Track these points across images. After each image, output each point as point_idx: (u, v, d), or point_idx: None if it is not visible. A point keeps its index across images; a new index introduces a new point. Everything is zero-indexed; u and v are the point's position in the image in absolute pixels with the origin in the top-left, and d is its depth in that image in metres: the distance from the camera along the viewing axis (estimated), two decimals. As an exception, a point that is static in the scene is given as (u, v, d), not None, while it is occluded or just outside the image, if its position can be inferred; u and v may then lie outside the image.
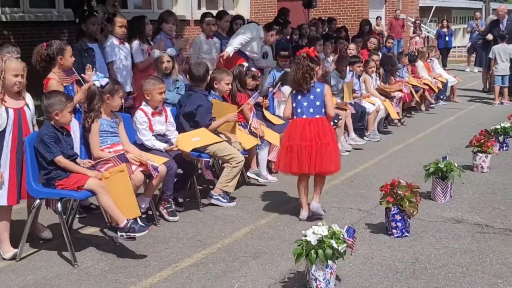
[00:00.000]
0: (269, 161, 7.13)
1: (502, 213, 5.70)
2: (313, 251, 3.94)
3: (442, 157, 6.24)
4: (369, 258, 4.63)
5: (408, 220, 5.10)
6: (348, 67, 9.57)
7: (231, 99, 6.92)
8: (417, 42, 19.38)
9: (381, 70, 10.61)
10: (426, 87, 12.12)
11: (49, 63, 5.42)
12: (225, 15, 9.23)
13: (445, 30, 19.99)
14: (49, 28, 11.50)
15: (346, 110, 8.67)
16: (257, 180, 6.88)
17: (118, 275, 4.43)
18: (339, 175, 7.14)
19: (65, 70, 5.50)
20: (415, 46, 18.50)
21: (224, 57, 7.95)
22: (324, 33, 12.42)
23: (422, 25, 22.00)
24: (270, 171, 7.20)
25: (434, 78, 12.85)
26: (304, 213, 5.59)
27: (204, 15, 8.71)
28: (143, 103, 5.81)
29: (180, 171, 5.91)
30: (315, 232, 4.00)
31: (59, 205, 4.65)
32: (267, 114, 7.57)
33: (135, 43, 7.45)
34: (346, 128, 8.75)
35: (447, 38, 19.92)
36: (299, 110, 5.50)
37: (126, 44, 7.34)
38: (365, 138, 9.36)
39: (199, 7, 17.06)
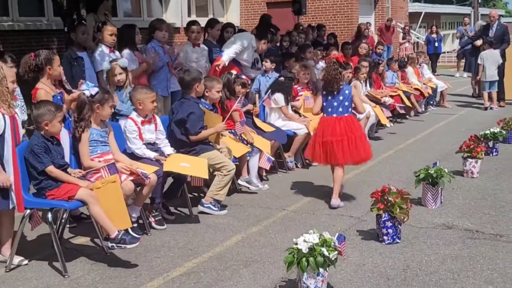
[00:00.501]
0: (260, 168, 7.13)
1: (492, 218, 5.72)
2: (304, 259, 3.94)
3: (433, 163, 6.27)
4: (360, 265, 4.64)
5: (399, 226, 5.12)
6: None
7: (221, 107, 6.92)
8: (407, 48, 19.48)
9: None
10: (417, 92, 12.18)
11: (38, 73, 5.40)
12: (216, 23, 9.24)
13: (434, 35, 20.12)
14: (39, 37, 11.48)
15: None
16: (248, 188, 6.88)
17: (109, 285, 4.42)
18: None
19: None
20: (405, 52, 18.60)
21: (220, 67, 7.91)
22: (314, 39, 12.46)
23: (411, 31, 22.11)
24: (261, 178, 7.21)
25: (423, 83, 12.92)
26: (334, 201, 6.22)
27: (190, 24, 8.69)
28: (133, 111, 5.80)
29: (170, 179, 5.91)
30: (306, 240, 4.00)
31: (49, 215, 4.63)
32: (257, 121, 7.59)
33: (126, 51, 7.44)
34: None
35: (436, 44, 20.04)
36: (329, 110, 6.25)
37: (117, 53, 7.33)
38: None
39: (189, 15, 17.08)
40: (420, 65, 13.44)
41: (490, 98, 13.18)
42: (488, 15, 14.07)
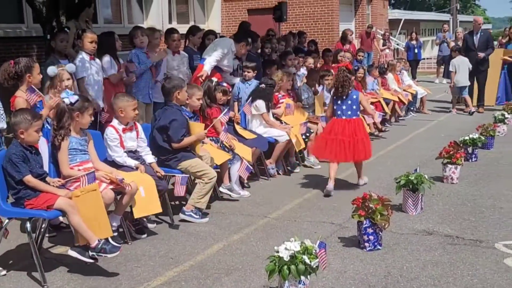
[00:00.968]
0: (241, 175, 7.11)
1: (472, 224, 5.77)
2: (285, 267, 3.93)
3: (413, 170, 6.30)
4: (341, 273, 4.64)
5: (380, 233, 5.14)
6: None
7: (201, 114, 6.90)
8: (387, 55, 19.62)
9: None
10: (397, 99, 12.26)
11: (17, 80, 5.35)
12: (198, 31, 9.23)
13: (414, 42, 20.29)
14: (18, 44, 11.37)
15: (317, 123, 8.72)
16: (230, 195, 6.86)
17: (89, 295, 4.37)
18: (311, 189, 7.21)
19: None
20: (385, 58, 18.73)
21: (204, 77, 7.87)
22: (295, 46, 12.49)
23: (391, 37, 22.28)
24: (242, 185, 7.19)
25: (404, 90, 13.01)
26: (330, 185, 6.85)
27: (170, 32, 8.67)
28: (114, 119, 5.76)
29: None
30: (287, 248, 4.00)
31: (28, 224, 4.58)
32: (238, 128, 7.58)
33: (106, 58, 7.41)
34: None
35: (416, 50, 20.20)
36: (339, 112, 6.95)
37: (97, 60, 7.29)
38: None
39: (170, 21, 17.04)
40: (400, 71, 13.55)
41: (466, 103, 13.45)
42: (473, 21, 14.20)
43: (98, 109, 6.99)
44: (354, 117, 6.94)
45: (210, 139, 6.90)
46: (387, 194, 5.91)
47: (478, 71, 13.52)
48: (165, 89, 6.28)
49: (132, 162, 5.59)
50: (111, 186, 5.06)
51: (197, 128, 6.33)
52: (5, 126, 5.84)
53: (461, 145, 8.14)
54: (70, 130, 5.09)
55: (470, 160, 8.45)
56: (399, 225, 5.72)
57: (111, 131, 5.63)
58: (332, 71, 10.32)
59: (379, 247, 5.11)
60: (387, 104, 11.75)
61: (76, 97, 5.16)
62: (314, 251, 4.04)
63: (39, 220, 5.03)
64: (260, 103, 7.89)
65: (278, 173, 8.05)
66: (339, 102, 6.96)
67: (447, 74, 16.65)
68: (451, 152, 7.33)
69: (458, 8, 32.10)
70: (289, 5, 18.13)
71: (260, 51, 10.56)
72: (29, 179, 4.58)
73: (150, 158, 5.85)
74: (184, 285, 4.50)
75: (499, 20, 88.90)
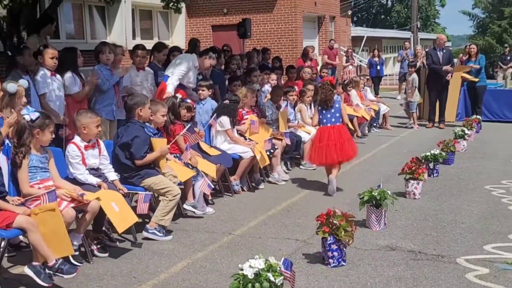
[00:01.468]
0: (204, 192, 7.06)
1: (434, 239, 5.84)
2: (250, 285, 3.90)
3: (376, 185, 6.36)
4: (306, 289, 4.64)
5: (344, 249, 5.16)
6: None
7: (165, 130, 6.86)
8: (350, 71, 19.86)
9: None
10: (359, 115, 12.39)
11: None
12: (163, 48, 9.19)
13: (376, 59, 20.58)
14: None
15: (281, 140, 8.75)
16: (194, 212, 6.80)
17: (49, 317, 4.27)
18: (275, 205, 7.21)
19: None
20: (348, 75, 18.95)
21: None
22: (259, 63, 12.55)
23: (354, 54, 22.58)
24: (206, 202, 7.15)
25: (367, 106, 13.17)
26: (332, 180, 7.68)
27: (135, 48, 8.62)
28: (76, 136, 5.68)
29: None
30: (251, 266, 3.97)
31: (-15, 244, 4.46)
32: (203, 145, 7.54)
33: (68, 74, 7.33)
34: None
35: (378, 67, 20.49)
36: (325, 121, 7.83)
37: (58, 76, 7.20)
38: (301, 167, 9.46)
39: (133, 37, 16.97)
40: (363, 88, 13.72)
41: (413, 117, 14.03)
42: (438, 39, 14.49)
43: (64, 122, 6.91)
44: (337, 123, 7.81)
45: (174, 156, 6.85)
46: (351, 210, 5.94)
47: (439, 88, 13.78)
48: (128, 106, 6.24)
49: (93, 180, 5.51)
50: (72, 204, 4.97)
51: (159, 144, 6.28)
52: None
53: (423, 161, 8.27)
54: (31, 147, 5.00)
55: (432, 176, 8.58)
56: (363, 241, 5.75)
57: (73, 148, 5.54)
58: (295, 87, 10.41)
59: (343, 263, 5.13)
60: (351, 120, 11.86)
61: (37, 114, 5.08)
62: (278, 269, 4.02)
63: (-2, 239, 4.91)
64: (225, 120, 7.89)
65: (243, 190, 8.03)
66: (324, 112, 7.83)
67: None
68: (413, 168, 7.43)
69: (419, 26, 32.71)
70: (253, 21, 18.24)
71: (224, 67, 10.57)
72: (-13, 198, 4.47)
73: (112, 175, 5.78)
74: (147, 304, 4.44)
75: (458, 38, 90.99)
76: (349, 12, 28.11)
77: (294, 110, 9.95)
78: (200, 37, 19.37)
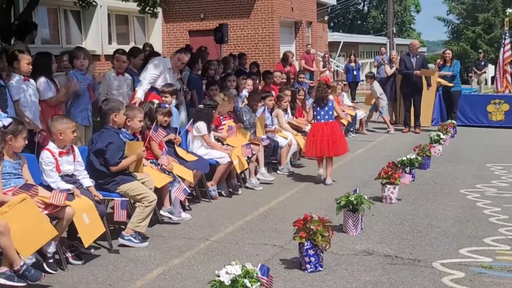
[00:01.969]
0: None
1: (410, 243, 5.87)
2: (227, 291, 3.89)
3: (353, 190, 6.38)
4: (283, 295, 4.63)
5: (321, 254, 5.16)
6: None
7: (142, 136, 6.80)
8: (327, 76, 19.92)
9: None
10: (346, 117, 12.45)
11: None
12: (139, 53, 9.13)
13: (353, 64, 20.69)
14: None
15: (258, 145, 8.73)
16: (170, 218, 6.75)
17: (22, 326, 4.19)
18: (253, 211, 7.19)
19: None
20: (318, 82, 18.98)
21: (137, 104, 7.69)
22: (236, 68, 12.54)
23: (331, 59, 22.70)
24: (183, 208, 7.10)
25: (343, 111, 13.20)
26: (321, 170, 8.70)
27: (116, 52, 8.58)
28: (50, 142, 5.60)
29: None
30: (228, 272, 3.95)
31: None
32: (179, 151, 7.50)
33: (42, 79, 7.24)
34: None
35: (355, 72, 20.60)
36: (319, 117, 8.62)
37: (31, 81, 7.10)
38: (278, 172, 9.46)
39: (109, 42, 16.87)
40: (340, 93, 13.78)
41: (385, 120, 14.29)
42: (411, 45, 14.63)
43: (37, 130, 6.82)
44: (330, 120, 8.60)
45: (151, 162, 6.80)
46: (328, 215, 5.96)
47: (414, 93, 13.91)
48: (102, 111, 6.17)
49: (65, 187, 5.41)
50: (46, 211, 4.90)
51: (136, 147, 6.21)
52: None
53: (399, 165, 8.32)
54: (3, 154, 4.92)
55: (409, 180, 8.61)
56: (340, 246, 5.76)
57: (47, 155, 5.46)
58: (273, 92, 10.42)
59: (320, 269, 5.13)
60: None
61: (9, 120, 5.01)
62: (255, 275, 4.00)
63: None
64: (201, 125, 7.85)
65: (220, 195, 7.99)
66: (318, 109, 8.63)
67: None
68: (390, 173, 7.47)
69: (395, 31, 32.99)
70: (230, 27, 18.26)
71: (201, 72, 10.53)
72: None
73: (87, 181, 5.71)
74: (123, 312, 4.38)
75: (433, 43, 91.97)
76: (326, 18, 28.30)
77: (271, 115, 9.95)
78: (177, 42, 19.39)
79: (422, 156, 9.44)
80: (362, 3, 61.11)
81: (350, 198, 6.16)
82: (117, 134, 6.13)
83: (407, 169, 8.64)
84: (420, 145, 9.87)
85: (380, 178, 7.54)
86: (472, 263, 5.28)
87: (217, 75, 10.84)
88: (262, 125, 9.34)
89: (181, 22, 20.05)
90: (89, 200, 5.48)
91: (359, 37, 40.49)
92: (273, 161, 9.62)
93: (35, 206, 4.68)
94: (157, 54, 9.70)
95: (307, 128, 10.52)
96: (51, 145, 5.54)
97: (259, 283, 3.98)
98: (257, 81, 11.67)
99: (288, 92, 10.49)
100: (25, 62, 6.96)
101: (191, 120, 7.97)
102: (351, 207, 6.15)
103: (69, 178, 5.58)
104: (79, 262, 5.41)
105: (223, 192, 8.04)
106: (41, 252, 5.00)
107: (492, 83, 22.26)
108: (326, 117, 8.60)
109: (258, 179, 8.66)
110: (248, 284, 3.90)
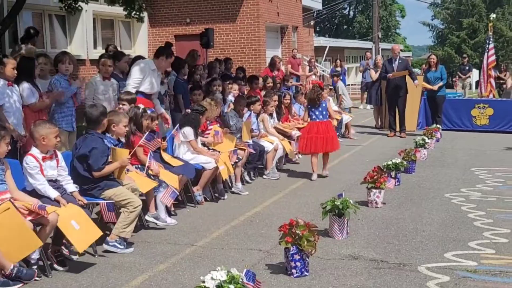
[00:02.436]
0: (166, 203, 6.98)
1: (395, 247, 5.88)
2: (212, 297, 3.87)
3: (338, 194, 6.38)
4: (269, 300, 4.61)
5: (307, 259, 5.15)
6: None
7: (126, 141, 6.76)
8: (313, 81, 19.96)
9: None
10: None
11: None
12: (123, 56, 9.09)
13: (338, 69, 20.77)
14: None
15: (244, 150, 8.72)
16: (156, 223, 6.72)
17: (4, 334, 4.14)
18: (239, 216, 7.17)
19: None
20: (311, 85, 19.02)
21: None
22: (222, 73, 12.53)
23: (317, 64, 22.75)
24: (169, 213, 7.07)
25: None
26: (314, 176, 9.32)
27: (101, 57, 8.54)
28: (33, 147, 5.55)
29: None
30: (213, 278, 3.94)
31: None
32: (165, 156, 7.47)
33: (25, 85, 7.18)
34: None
35: (340, 77, 20.66)
36: (314, 117, 9.35)
37: (16, 86, 7.04)
38: (264, 176, 9.45)
39: (95, 47, 16.78)
40: (326, 98, 13.78)
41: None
42: (391, 49, 14.71)
43: (19, 138, 6.74)
44: (324, 120, 9.30)
45: (136, 167, 6.76)
46: (313, 220, 5.97)
47: (397, 97, 13.98)
48: (93, 117, 6.12)
49: (52, 193, 5.36)
50: (30, 217, 4.85)
51: (121, 154, 6.18)
52: None
53: (385, 169, 8.34)
54: (-14, 159, 4.87)
55: (394, 185, 8.64)
56: (325, 251, 5.76)
57: (31, 160, 5.41)
58: (258, 97, 10.42)
59: (306, 273, 5.12)
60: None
61: (-9, 126, 4.95)
62: (241, 280, 3.99)
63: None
64: (188, 130, 7.82)
65: (206, 200, 7.97)
66: (313, 109, 9.34)
67: (369, 100, 17.22)
68: (375, 177, 7.49)
69: (380, 36, 33.19)
70: (216, 31, 18.24)
71: (187, 77, 10.50)
72: None
73: (71, 187, 5.67)
74: (107, 319, 4.35)
75: (418, 48, 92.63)
76: (312, 23, 28.38)
77: (257, 120, 9.94)
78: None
79: (408, 160, 9.47)
80: (348, 8, 61.41)
81: (336, 202, 6.16)
82: (101, 139, 6.09)
83: (393, 174, 8.67)
84: (405, 149, 9.91)
85: (366, 182, 7.55)
86: (457, 267, 5.30)
87: (203, 80, 10.83)
88: (248, 130, 9.33)
89: (167, 27, 20.01)
90: (77, 207, 5.43)
91: (345, 41, 40.65)
92: (259, 166, 9.61)
93: (19, 215, 4.63)
94: (142, 58, 9.64)
95: (293, 132, 10.58)
96: (34, 150, 5.49)
97: (244, 289, 3.97)
98: (243, 86, 11.68)
99: (275, 97, 10.49)
100: (10, 66, 6.90)
101: (177, 125, 7.94)
102: (336, 212, 6.15)
103: (53, 183, 5.52)
104: (64, 269, 5.36)
105: (207, 197, 8.01)
106: (24, 259, 4.95)
107: (477, 87, 22.46)
108: (321, 116, 9.30)
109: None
110: (234, 290, 3.89)
